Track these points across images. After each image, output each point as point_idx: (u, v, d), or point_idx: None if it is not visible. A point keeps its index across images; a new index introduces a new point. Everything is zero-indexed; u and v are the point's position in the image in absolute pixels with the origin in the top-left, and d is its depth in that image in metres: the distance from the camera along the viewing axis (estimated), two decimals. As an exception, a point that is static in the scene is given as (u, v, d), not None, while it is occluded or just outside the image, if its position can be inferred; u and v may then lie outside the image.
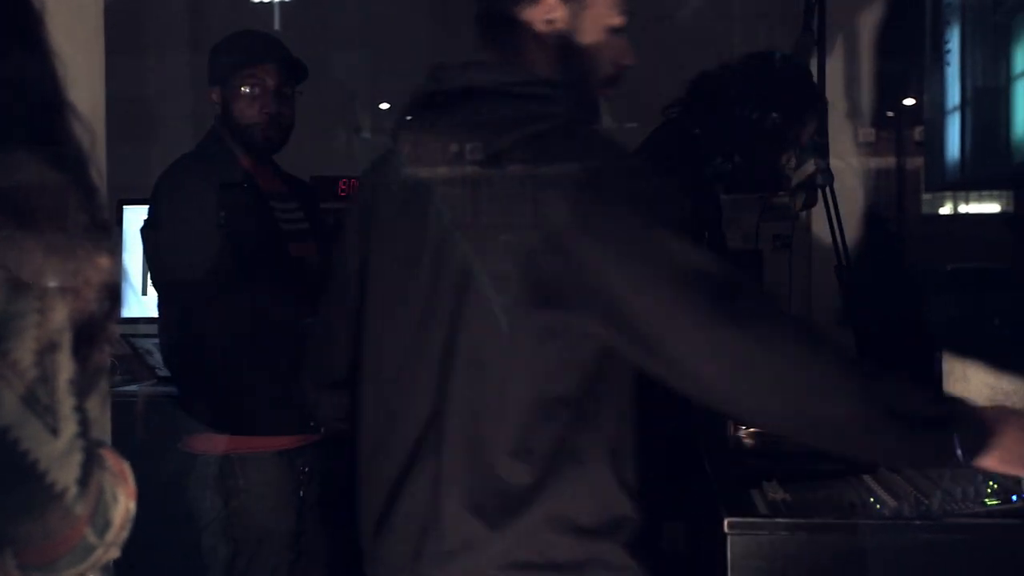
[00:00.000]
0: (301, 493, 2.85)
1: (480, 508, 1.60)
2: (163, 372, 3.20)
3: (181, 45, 4.60)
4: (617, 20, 1.75)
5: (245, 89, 2.83)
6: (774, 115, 2.81)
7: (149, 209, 2.86)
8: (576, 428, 1.61)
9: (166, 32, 4.65)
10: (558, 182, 1.56)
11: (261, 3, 4.78)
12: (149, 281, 3.13)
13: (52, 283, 1.01)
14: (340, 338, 1.86)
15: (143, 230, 2.86)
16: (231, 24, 4.56)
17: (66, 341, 1.03)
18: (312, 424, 2.82)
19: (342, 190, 4.49)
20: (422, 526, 1.64)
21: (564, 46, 1.72)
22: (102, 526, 1.09)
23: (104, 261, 1.05)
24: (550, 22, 1.71)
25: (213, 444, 2.76)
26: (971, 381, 2.63)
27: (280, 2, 4.78)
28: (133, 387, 3.29)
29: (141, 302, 3.39)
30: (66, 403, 1.04)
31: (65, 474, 1.04)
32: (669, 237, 1.54)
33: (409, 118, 1.81)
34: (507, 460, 1.59)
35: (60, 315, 1.02)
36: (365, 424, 1.77)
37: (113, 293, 1.08)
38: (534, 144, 1.61)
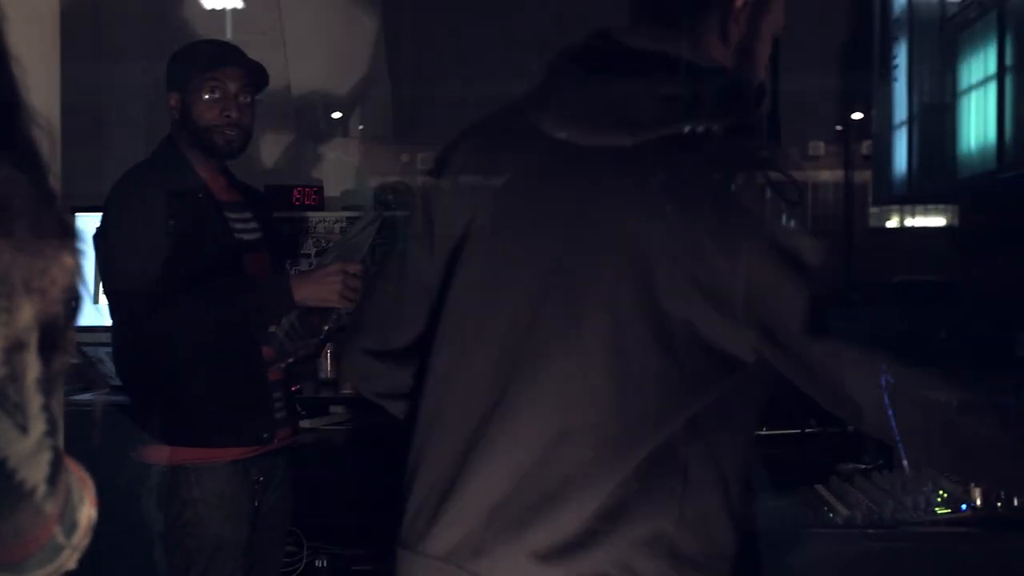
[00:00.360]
0: (256, 503, 2.84)
1: (565, 510, 1.43)
2: (115, 381, 3.18)
3: (134, 52, 4.57)
4: (782, 28, 1.62)
5: (206, 95, 2.82)
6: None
7: (102, 217, 2.83)
8: (689, 441, 1.45)
9: (119, 39, 4.62)
10: (743, 183, 1.45)
11: (214, 11, 4.77)
12: (101, 289, 3.10)
13: (19, 281, 1.00)
14: (413, 307, 1.66)
15: (96, 238, 2.83)
16: (185, 32, 4.54)
17: (33, 341, 1.02)
18: (265, 436, 2.81)
19: (296, 199, 4.49)
20: (493, 520, 1.46)
21: (746, 36, 1.57)
22: (70, 527, 1.09)
23: (70, 262, 1.05)
24: (743, 5, 1.55)
25: (167, 454, 2.74)
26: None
27: (233, 10, 4.77)
28: (87, 395, 3.26)
29: (94, 310, 3.35)
30: (35, 402, 1.03)
31: (35, 472, 1.03)
32: (815, 248, 1.45)
33: (556, 76, 1.58)
34: (609, 464, 1.43)
35: (27, 314, 1.01)
36: (436, 401, 1.58)
37: (76, 296, 1.08)
38: (722, 135, 1.47)
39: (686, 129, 1.46)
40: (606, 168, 1.48)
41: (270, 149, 4.12)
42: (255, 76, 2.92)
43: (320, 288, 2.75)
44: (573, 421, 1.45)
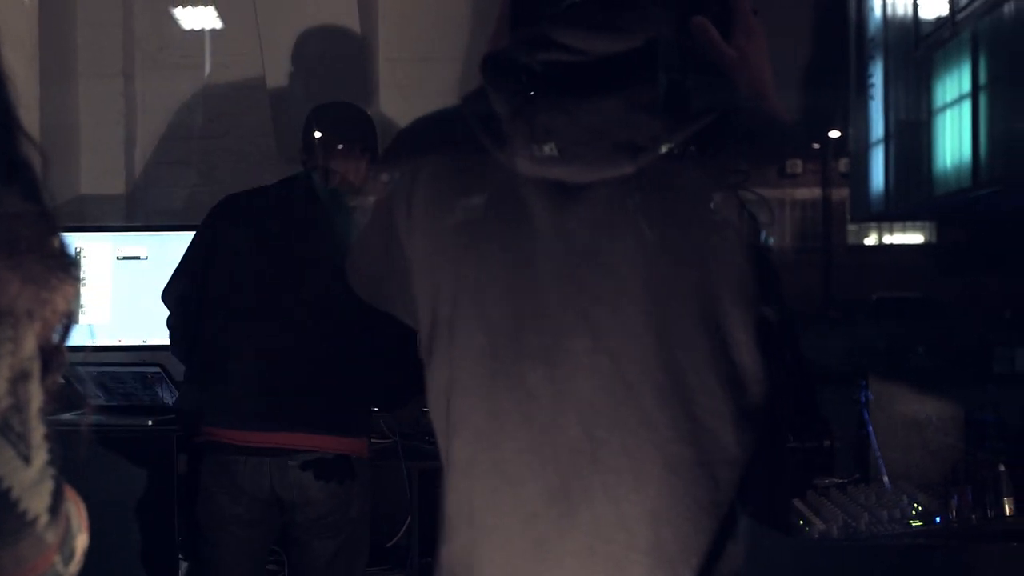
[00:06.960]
0: None
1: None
2: (97, 400, 3.17)
3: (112, 73, 4.58)
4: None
5: None
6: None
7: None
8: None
9: (96, 59, 4.63)
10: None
11: (192, 31, 4.77)
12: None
13: (23, 312, 1.00)
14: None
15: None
16: (166, 53, 4.55)
17: (36, 370, 1.02)
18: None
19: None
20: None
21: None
22: (68, 555, 1.09)
23: (71, 289, 1.05)
24: None
25: (353, 445, 2.94)
26: (896, 406, 2.69)
27: (212, 30, 4.78)
28: (67, 415, 3.27)
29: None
30: (37, 431, 1.03)
31: (37, 502, 1.03)
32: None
33: (511, 100, 1.30)
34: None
35: (31, 344, 1.01)
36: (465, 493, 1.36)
37: (72, 320, 1.08)
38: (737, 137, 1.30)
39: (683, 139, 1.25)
40: (610, 203, 1.28)
41: (253, 171, 4.14)
42: None
43: None
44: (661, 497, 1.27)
